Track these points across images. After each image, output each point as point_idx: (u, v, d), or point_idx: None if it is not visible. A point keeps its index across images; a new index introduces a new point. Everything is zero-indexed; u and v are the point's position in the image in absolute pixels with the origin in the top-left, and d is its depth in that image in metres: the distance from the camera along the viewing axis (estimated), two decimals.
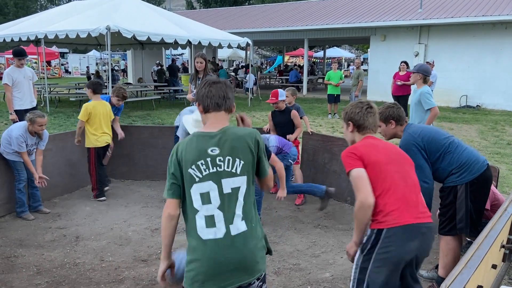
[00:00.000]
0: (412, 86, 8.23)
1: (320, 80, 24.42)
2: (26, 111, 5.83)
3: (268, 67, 39.45)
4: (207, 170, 1.91)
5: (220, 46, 15.32)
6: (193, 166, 1.91)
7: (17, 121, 6.08)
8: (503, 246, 3.01)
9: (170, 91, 17.35)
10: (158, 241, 4.24)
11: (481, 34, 15.46)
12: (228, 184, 1.92)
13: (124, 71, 32.04)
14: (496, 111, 14.70)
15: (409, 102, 6.95)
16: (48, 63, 32.47)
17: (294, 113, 5.40)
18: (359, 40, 26.54)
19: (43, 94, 14.42)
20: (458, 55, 15.88)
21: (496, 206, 3.55)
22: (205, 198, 1.91)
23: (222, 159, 1.92)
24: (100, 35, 12.04)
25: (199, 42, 13.93)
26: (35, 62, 27.18)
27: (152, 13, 14.58)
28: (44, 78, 15.03)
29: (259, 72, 23.50)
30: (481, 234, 2.34)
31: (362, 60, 29.53)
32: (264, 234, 2.08)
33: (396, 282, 2.30)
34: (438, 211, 3.29)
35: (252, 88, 17.40)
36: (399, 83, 10.72)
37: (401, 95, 10.73)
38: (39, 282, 3.46)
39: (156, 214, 5.00)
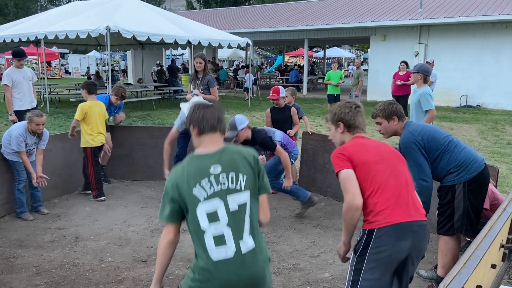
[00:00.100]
0: (412, 86, 8.23)
1: (320, 80, 24.42)
2: (26, 111, 5.82)
3: (268, 67, 39.46)
4: (212, 188, 1.90)
5: (220, 46, 15.32)
6: (197, 186, 1.89)
7: (17, 122, 6.08)
8: (502, 246, 3.01)
9: (170, 91, 17.36)
10: (158, 241, 4.23)
11: (481, 34, 15.46)
12: (234, 201, 1.92)
13: (124, 71, 32.05)
14: (496, 111, 14.69)
15: (409, 102, 6.94)
16: (48, 63, 32.50)
17: (293, 110, 5.57)
18: (359, 40, 26.54)
19: (43, 95, 14.42)
20: (458, 55, 15.87)
21: (496, 205, 3.55)
22: (213, 216, 1.88)
23: (225, 176, 1.92)
24: (100, 35, 12.04)
25: (199, 42, 13.93)
26: (35, 63, 27.20)
27: (152, 14, 14.58)
28: (44, 78, 15.04)
29: (259, 72, 23.50)
30: (480, 234, 2.33)
31: (362, 60, 29.50)
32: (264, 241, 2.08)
33: (388, 281, 2.28)
34: (437, 211, 3.29)
35: (252, 88, 17.40)
36: (399, 83, 10.72)
37: (401, 95, 10.73)
38: (39, 283, 3.46)
39: (155, 214, 5.00)
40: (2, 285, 3.41)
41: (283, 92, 5.45)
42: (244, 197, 1.94)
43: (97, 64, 33.34)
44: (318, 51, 41.51)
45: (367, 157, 2.33)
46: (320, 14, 20.87)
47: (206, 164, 1.92)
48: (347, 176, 2.29)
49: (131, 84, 20.08)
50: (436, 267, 3.48)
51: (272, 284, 3.43)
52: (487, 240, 2.28)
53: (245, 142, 4.47)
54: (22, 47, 10.01)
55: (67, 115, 12.55)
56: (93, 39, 14.49)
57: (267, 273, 1.97)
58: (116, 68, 31.58)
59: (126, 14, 13.38)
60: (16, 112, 6.68)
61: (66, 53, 37.83)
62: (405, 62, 11.08)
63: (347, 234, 2.37)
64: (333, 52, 38.14)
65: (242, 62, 34.03)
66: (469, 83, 15.70)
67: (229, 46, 15.80)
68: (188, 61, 23.94)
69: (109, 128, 6.19)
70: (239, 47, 16.35)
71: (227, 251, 1.86)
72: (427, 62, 13.51)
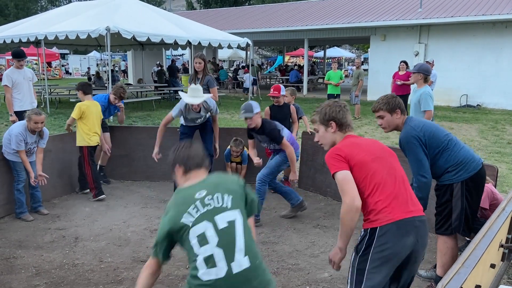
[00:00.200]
0: (412, 86, 8.23)
1: (320, 80, 24.42)
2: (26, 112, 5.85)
3: (268, 67, 39.46)
4: (198, 212, 1.92)
5: (220, 47, 15.32)
6: (185, 215, 1.92)
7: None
8: (501, 246, 3.01)
9: (170, 91, 17.36)
10: None
11: (481, 34, 15.45)
12: (222, 219, 1.92)
13: (125, 71, 32.06)
14: (497, 111, 14.69)
15: (408, 102, 6.94)
16: (49, 64, 32.53)
17: (292, 107, 5.72)
18: (359, 40, 26.53)
19: (44, 95, 14.43)
20: (458, 55, 15.86)
21: (495, 205, 3.55)
22: (202, 239, 1.88)
23: (210, 198, 1.95)
24: (100, 36, 12.04)
25: (199, 43, 13.93)
26: (36, 63, 27.24)
27: (152, 14, 14.58)
28: (44, 79, 15.04)
29: (259, 72, 23.49)
30: (478, 234, 2.33)
31: (362, 59, 29.49)
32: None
33: (387, 279, 2.28)
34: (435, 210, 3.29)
35: (252, 88, 17.38)
36: (398, 82, 10.73)
37: (400, 95, 10.72)
38: (38, 283, 3.46)
39: (155, 214, 5.00)
40: (2, 286, 3.41)
41: (283, 90, 5.54)
42: (232, 214, 1.95)
43: (97, 65, 33.36)
44: (318, 51, 41.50)
45: (363, 156, 2.32)
46: (320, 14, 20.87)
47: (191, 193, 1.98)
48: (345, 177, 2.26)
49: (131, 84, 20.09)
50: (435, 266, 3.48)
51: None
52: (485, 239, 2.28)
53: (254, 130, 4.60)
54: (22, 48, 10.03)
55: (67, 116, 12.50)
56: (93, 39, 14.50)
57: None
58: (116, 69, 31.60)
59: (126, 14, 13.38)
60: (16, 113, 6.68)
61: (67, 54, 37.86)
62: (405, 62, 11.08)
63: (344, 239, 2.30)
64: (333, 52, 38.12)
65: (242, 62, 34.04)
66: (469, 83, 15.69)
67: (229, 46, 15.79)
68: (188, 61, 23.94)
69: (108, 128, 6.21)
70: (239, 47, 16.34)
71: (217, 272, 1.84)
72: (427, 61, 13.49)
